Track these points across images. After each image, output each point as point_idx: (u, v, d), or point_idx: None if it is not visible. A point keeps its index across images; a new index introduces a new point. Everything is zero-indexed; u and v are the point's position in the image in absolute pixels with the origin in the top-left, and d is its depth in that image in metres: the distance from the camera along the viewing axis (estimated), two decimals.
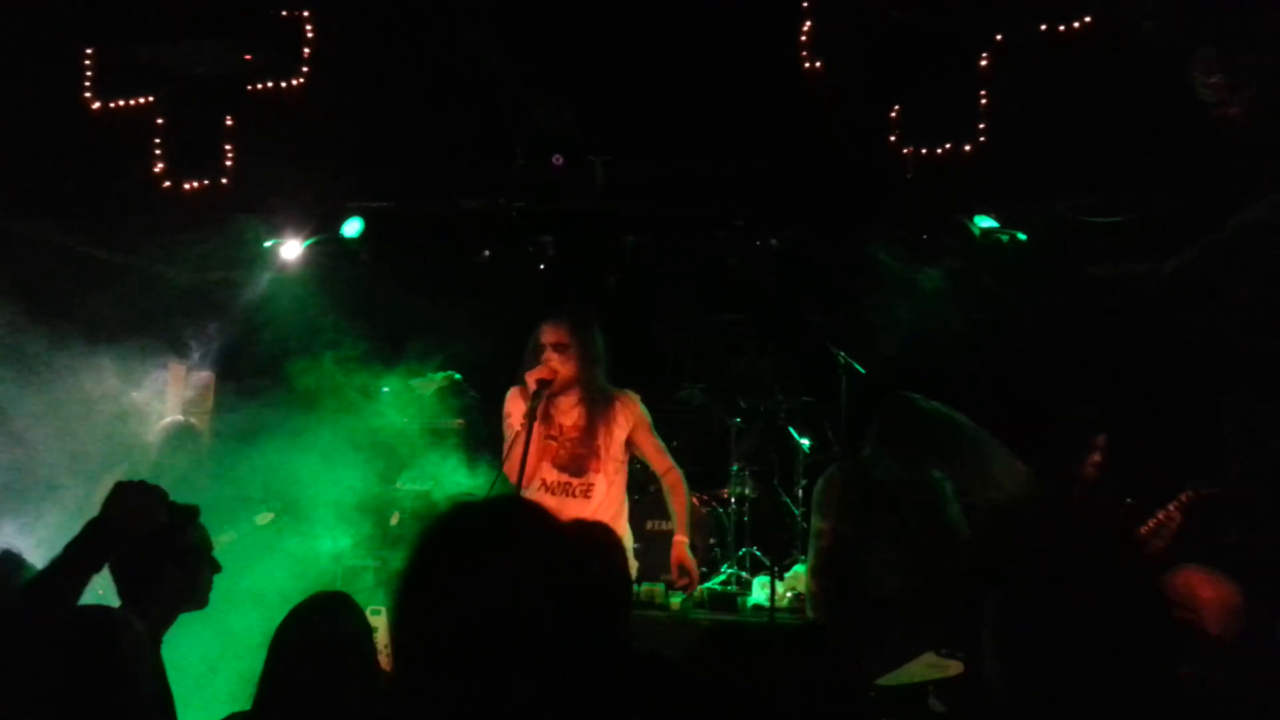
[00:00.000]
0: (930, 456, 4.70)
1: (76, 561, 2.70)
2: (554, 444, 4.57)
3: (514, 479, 4.43)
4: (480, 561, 1.80)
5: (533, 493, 4.53)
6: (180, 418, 6.20)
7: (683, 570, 4.68)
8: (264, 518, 5.63)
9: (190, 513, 3.07)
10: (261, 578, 4.89)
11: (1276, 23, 4.35)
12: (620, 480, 4.65)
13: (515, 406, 4.62)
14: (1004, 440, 5.62)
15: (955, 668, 4.63)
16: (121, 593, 2.94)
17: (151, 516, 2.83)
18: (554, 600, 1.83)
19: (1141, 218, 5.67)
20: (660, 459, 4.72)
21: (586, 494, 4.55)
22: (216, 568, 3.14)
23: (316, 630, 2.83)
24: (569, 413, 4.60)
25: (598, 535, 3.32)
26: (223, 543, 5.23)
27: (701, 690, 2.94)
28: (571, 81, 6.03)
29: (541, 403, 4.46)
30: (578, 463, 4.57)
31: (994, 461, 4.96)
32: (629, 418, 4.62)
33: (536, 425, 4.44)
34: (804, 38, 5.60)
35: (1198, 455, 5.50)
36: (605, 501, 4.56)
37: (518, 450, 4.42)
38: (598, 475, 4.57)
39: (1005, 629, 2.07)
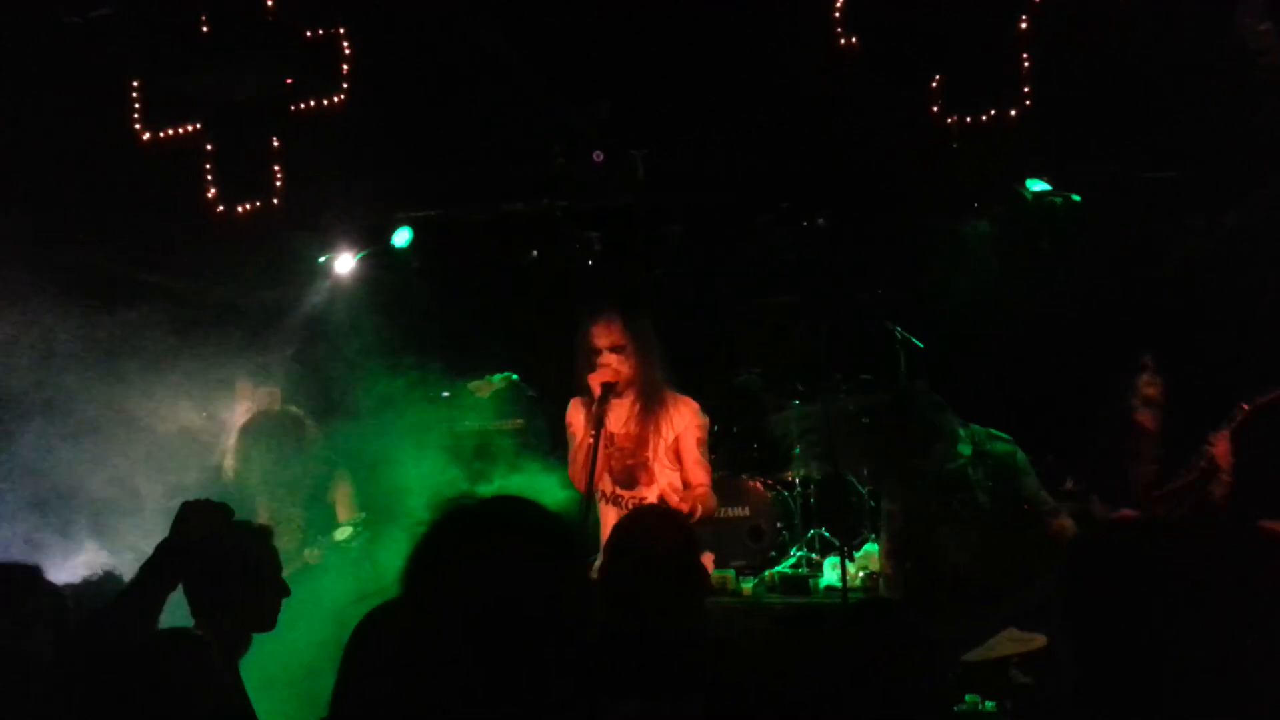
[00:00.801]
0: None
1: (150, 583, 2.78)
2: (607, 454, 4.46)
3: (581, 487, 4.41)
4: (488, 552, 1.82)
5: (598, 502, 4.49)
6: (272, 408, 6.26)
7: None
8: (343, 532, 5.67)
9: (261, 534, 3.12)
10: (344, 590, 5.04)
11: None
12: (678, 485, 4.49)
13: (576, 417, 4.56)
14: (1066, 401, 5.58)
15: (1038, 641, 4.61)
16: (194, 613, 3.00)
17: (219, 536, 2.90)
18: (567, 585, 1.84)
19: (1198, 173, 5.54)
20: (695, 472, 4.46)
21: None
22: (285, 591, 3.17)
23: (386, 641, 2.86)
24: (621, 420, 4.50)
25: (653, 520, 3.33)
26: (315, 557, 5.40)
27: (779, 674, 2.95)
28: (606, 77, 6.03)
29: (606, 407, 4.36)
30: (629, 475, 4.47)
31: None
32: (677, 424, 4.47)
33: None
34: (837, 14, 5.54)
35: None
36: None
37: (581, 457, 4.39)
38: (649, 488, 4.45)
39: (1074, 608, 2.04)
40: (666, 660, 2.82)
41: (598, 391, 4.35)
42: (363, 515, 5.76)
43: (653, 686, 2.72)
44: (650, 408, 4.48)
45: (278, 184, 7.41)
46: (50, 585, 3.27)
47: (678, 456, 4.49)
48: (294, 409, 6.18)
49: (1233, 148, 5.39)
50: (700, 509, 4.24)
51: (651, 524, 3.23)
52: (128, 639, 2.69)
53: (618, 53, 5.84)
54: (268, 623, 3.10)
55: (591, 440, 4.32)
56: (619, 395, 4.46)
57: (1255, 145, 5.27)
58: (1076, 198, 5.92)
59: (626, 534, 3.16)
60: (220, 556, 2.89)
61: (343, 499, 5.91)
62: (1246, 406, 4.38)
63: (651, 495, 4.45)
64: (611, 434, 4.48)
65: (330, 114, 7.17)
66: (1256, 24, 4.37)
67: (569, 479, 4.67)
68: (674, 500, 4.25)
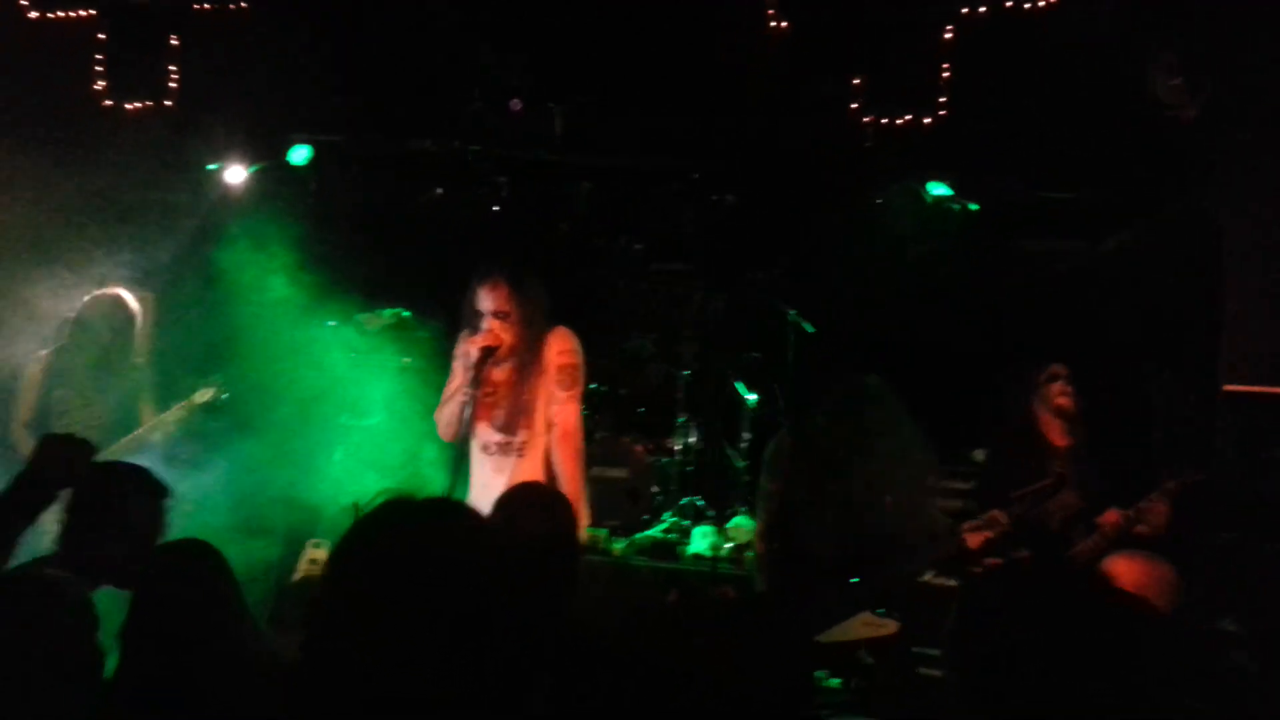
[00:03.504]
0: (872, 442, 4.82)
1: (6, 517, 2.69)
2: (490, 400, 4.37)
3: (445, 435, 4.37)
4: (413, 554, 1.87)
5: (474, 455, 4.41)
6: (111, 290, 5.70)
7: None
8: (204, 394, 5.29)
9: (159, 494, 3.01)
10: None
11: (1233, 30, 4.47)
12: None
13: (463, 355, 4.40)
14: (949, 398, 5.77)
15: (890, 627, 4.85)
16: (61, 555, 2.90)
17: (78, 469, 2.81)
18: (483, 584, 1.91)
19: (1086, 196, 5.81)
20: (562, 411, 4.34)
21: (521, 453, 4.38)
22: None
23: (170, 587, 2.73)
24: (504, 372, 4.39)
25: (537, 497, 3.37)
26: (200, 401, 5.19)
27: (645, 670, 3.04)
28: (533, 28, 5.95)
29: (486, 369, 4.28)
30: (510, 420, 4.38)
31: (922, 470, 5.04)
32: (551, 357, 4.37)
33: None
34: None
35: (1119, 425, 5.68)
36: (541, 459, 4.38)
37: (453, 407, 4.34)
38: (529, 432, 4.37)
39: (963, 640, 2.17)
40: (536, 639, 2.85)
41: (476, 356, 4.30)
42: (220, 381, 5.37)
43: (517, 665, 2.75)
44: (530, 355, 4.38)
45: (172, 85, 7.11)
46: None
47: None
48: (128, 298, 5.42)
49: (1125, 176, 5.67)
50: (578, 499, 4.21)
51: (536, 503, 3.24)
52: None
53: (551, 6, 5.76)
54: (131, 584, 2.91)
55: (464, 398, 4.27)
56: (498, 362, 4.42)
57: (1146, 177, 5.56)
58: (974, 206, 6.13)
59: (508, 510, 3.17)
60: (115, 515, 2.79)
61: (146, 394, 5.37)
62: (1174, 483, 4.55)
63: (531, 439, 4.40)
64: (494, 380, 4.45)
65: (236, 19, 6.90)
66: (1168, 79, 4.59)
67: (436, 420, 4.49)
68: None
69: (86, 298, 5.41)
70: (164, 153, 7.06)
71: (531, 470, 4.33)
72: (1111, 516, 4.60)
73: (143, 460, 5.03)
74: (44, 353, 5.26)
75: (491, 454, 4.44)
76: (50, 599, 2.58)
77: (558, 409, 4.37)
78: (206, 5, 6.92)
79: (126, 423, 5.21)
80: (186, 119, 7.06)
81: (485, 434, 4.44)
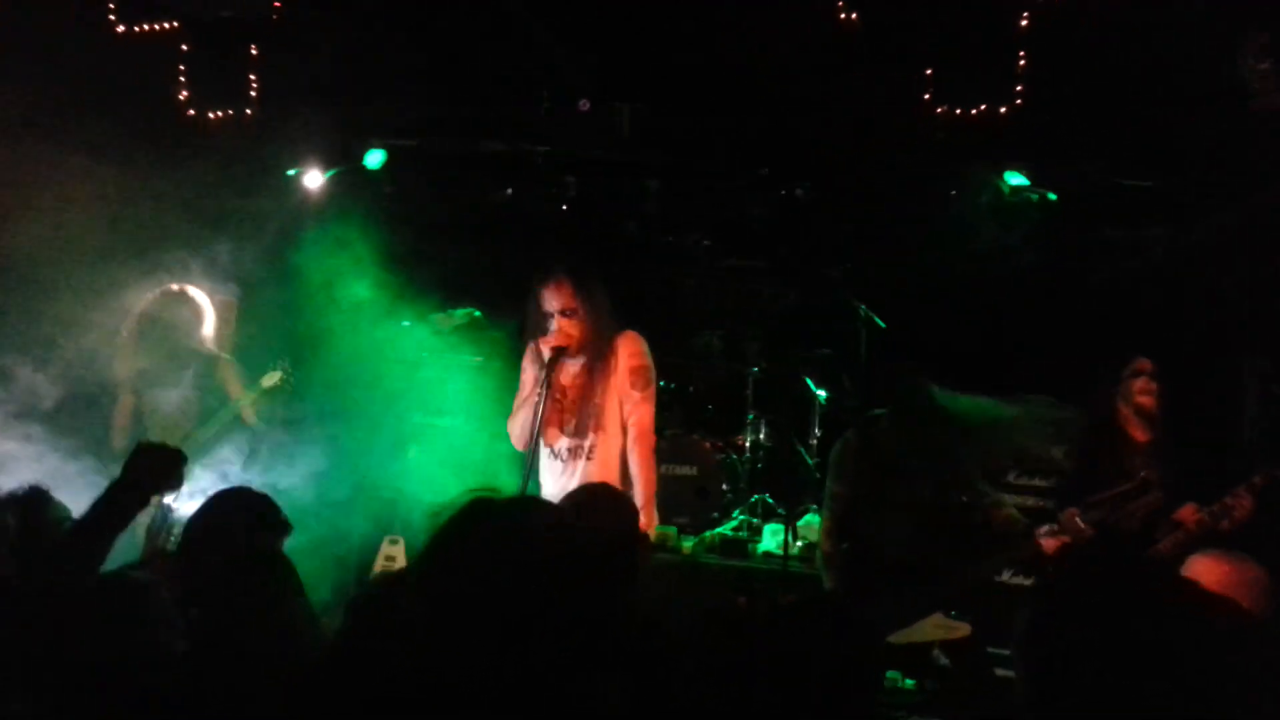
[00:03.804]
0: (943, 438, 4.74)
1: (102, 523, 2.74)
2: (559, 406, 4.41)
3: (519, 444, 4.42)
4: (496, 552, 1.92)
5: (543, 458, 4.44)
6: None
7: None
8: (270, 378, 5.36)
9: (280, 526, 3.04)
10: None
11: None
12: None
13: (530, 366, 4.51)
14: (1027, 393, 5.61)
15: (963, 629, 4.76)
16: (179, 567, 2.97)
17: (171, 476, 2.88)
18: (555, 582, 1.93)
19: (1167, 184, 5.63)
20: (638, 410, 4.37)
21: (590, 455, 4.40)
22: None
23: (238, 597, 2.77)
24: (572, 373, 4.45)
25: (601, 499, 3.38)
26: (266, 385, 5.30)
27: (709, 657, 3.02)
28: (600, 27, 5.96)
29: (557, 369, 4.35)
30: (581, 424, 4.41)
31: (1015, 433, 4.93)
32: (621, 361, 4.40)
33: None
34: None
35: (1203, 418, 5.48)
36: (610, 461, 4.41)
37: (525, 413, 4.38)
38: (598, 435, 4.40)
39: (1035, 645, 2.09)
40: (597, 636, 2.85)
41: (548, 354, 4.31)
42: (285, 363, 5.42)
43: (582, 662, 2.76)
44: (599, 359, 4.41)
45: (253, 94, 7.28)
46: None
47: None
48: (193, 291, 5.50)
49: (1206, 164, 5.48)
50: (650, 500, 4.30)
51: (601, 503, 3.26)
52: (75, 582, 2.64)
53: (617, 4, 5.77)
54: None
55: (537, 398, 4.29)
56: (570, 360, 4.44)
57: (1229, 165, 5.37)
58: (1053, 196, 5.98)
59: (576, 510, 3.19)
60: (232, 543, 2.86)
61: (231, 380, 5.45)
62: (1261, 477, 4.37)
63: (600, 442, 4.41)
64: (562, 386, 4.47)
65: (313, 27, 7.04)
66: (1257, 64, 4.41)
67: (509, 429, 4.55)
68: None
69: (150, 294, 5.51)
70: (245, 159, 7.23)
71: (601, 472, 4.34)
72: (1187, 512, 4.46)
73: (228, 448, 5.21)
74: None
75: (562, 458, 4.46)
76: (140, 602, 2.66)
77: (631, 409, 4.39)
78: (284, 16, 7.07)
79: (215, 414, 5.34)
80: (266, 126, 7.22)
81: (555, 438, 4.46)
